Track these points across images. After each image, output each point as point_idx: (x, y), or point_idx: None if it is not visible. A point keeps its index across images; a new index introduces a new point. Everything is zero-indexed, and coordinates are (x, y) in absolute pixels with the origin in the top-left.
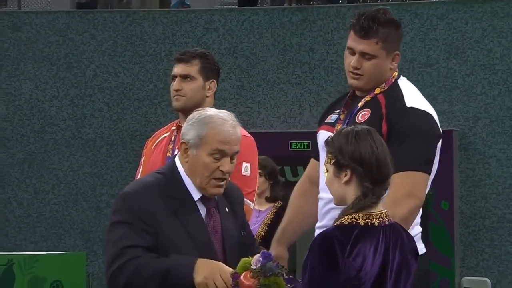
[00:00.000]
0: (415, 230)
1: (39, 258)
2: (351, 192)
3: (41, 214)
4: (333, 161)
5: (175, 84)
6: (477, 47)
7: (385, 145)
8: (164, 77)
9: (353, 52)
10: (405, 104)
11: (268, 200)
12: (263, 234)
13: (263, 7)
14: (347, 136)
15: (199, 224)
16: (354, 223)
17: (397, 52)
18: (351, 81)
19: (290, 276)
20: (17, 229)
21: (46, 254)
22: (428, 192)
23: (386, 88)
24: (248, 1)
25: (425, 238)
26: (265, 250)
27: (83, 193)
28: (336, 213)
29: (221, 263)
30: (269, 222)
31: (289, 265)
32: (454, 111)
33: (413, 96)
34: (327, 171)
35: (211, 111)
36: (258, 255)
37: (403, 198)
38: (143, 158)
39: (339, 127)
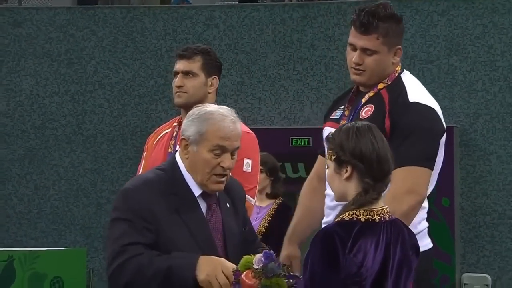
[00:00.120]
0: (422, 225)
1: (40, 254)
2: (352, 189)
3: (41, 210)
4: (334, 157)
5: (177, 81)
6: (478, 44)
7: (385, 141)
8: (165, 73)
9: (354, 48)
10: (408, 99)
11: (269, 196)
12: (264, 230)
13: (263, 3)
14: (347, 132)
15: (200, 221)
16: (355, 219)
17: (399, 46)
18: (353, 76)
19: (292, 273)
20: (18, 225)
21: (47, 250)
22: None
23: (389, 83)
24: None
25: None
26: (267, 250)
27: (83, 189)
28: None
29: (222, 259)
30: (270, 218)
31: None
32: (455, 108)
33: (416, 91)
34: (327, 168)
35: (211, 107)
36: (260, 254)
37: (404, 194)
38: (144, 154)
39: (344, 123)
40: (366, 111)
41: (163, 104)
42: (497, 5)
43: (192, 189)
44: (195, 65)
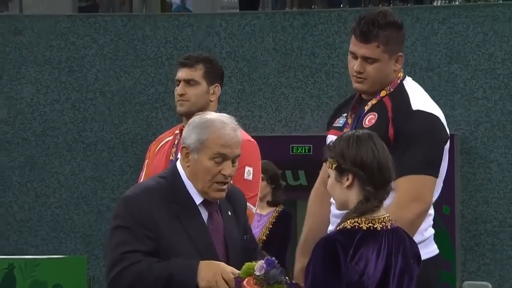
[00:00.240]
0: (428, 232)
1: (40, 262)
2: (353, 197)
3: (42, 218)
4: (335, 165)
5: (179, 89)
6: (478, 52)
7: (386, 149)
8: (166, 81)
9: (355, 57)
10: (411, 107)
11: (270, 204)
12: (265, 238)
13: (264, 11)
14: (348, 141)
15: (201, 228)
16: (356, 227)
17: (400, 54)
18: (355, 84)
19: (294, 282)
20: (18, 233)
21: (47, 258)
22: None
23: (392, 90)
24: (249, 5)
25: None
26: (269, 257)
27: (84, 196)
28: None
29: (222, 263)
30: (271, 226)
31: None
32: (455, 116)
33: (419, 98)
34: (328, 176)
35: (212, 115)
36: (262, 261)
37: (409, 202)
38: (146, 161)
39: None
40: (370, 120)
41: (164, 112)
42: (497, 13)
43: (193, 197)
44: (197, 73)
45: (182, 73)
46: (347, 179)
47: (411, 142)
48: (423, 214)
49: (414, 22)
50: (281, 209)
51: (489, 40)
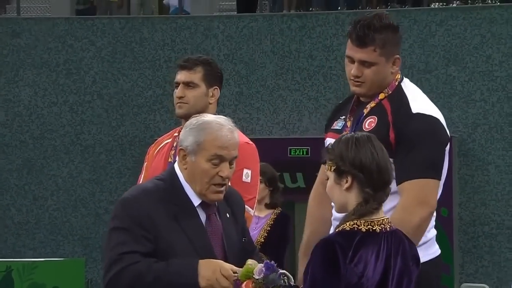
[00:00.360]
0: (431, 233)
1: (38, 265)
2: (353, 199)
3: (40, 221)
4: (334, 168)
5: (178, 91)
6: (476, 54)
7: (385, 151)
8: (163, 84)
9: (352, 61)
10: (411, 110)
11: (268, 206)
12: (263, 240)
13: (262, 14)
14: (347, 143)
15: (199, 230)
16: (355, 229)
17: (397, 56)
18: (353, 88)
19: (293, 284)
20: (16, 236)
21: (45, 260)
22: None
23: (390, 92)
24: (247, 8)
25: None
26: (268, 261)
27: (82, 199)
28: None
29: (220, 261)
30: (269, 228)
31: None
32: (453, 118)
33: (418, 101)
34: (327, 179)
35: (208, 117)
36: (261, 264)
37: (415, 206)
38: (145, 164)
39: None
40: (369, 123)
41: (162, 114)
42: (495, 15)
43: (191, 199)
44: (196, 75)
45: (181, 76)
46: (346, 181)
47: (412, 146)
48: (429, 218)
49: (412, 24)
50: (279, 211)
51: (486, 42)
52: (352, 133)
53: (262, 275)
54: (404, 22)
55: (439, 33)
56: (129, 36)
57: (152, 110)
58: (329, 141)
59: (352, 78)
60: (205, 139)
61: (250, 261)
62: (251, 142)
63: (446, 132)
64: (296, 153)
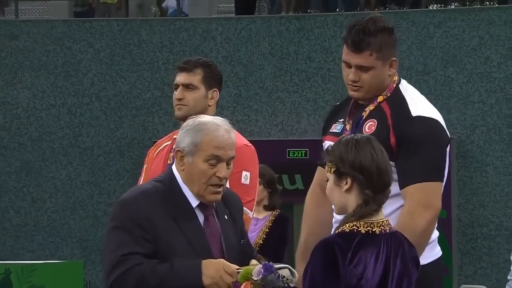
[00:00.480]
0: (434, 234)
1: (37, 267)
2: (352, 200)
3: (38, 223)
4: (334, 169)
5: (177, 93)
6: (474, 55)
7: (385, 153)
8: (162, 86)
9: (349, 65)
10: (411, 113)
11: (266, 208)
12: (261, 242)
13: (260, 16)
14: (347, 145)
15: (197, 229)
16: (355, 230)
17: (394, 58)
18: (351, 93)
19: (292, 286)
20: (15, 238)
21: (44, 263)
22: None
23: (389, 95)
24: (245, 10)
25: None
26: (266, 262)
27: (80, 201)
28: None
29: (221, 260)
30: (267, 230)
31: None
32: (452, 119)
33: (417, 103)
34: (327, 180)
35: (205, 118)
36: (260, 266)
37: (421, 210)
38: (144, 166)
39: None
40: (369, 126)
41: (160, 116)
42: (493, 16)
43: (190, 200)
44: (195, 77)
45: (180, 78)
46: (346, 183)
47: (414, 149)
48: (434, 220)
49: (410, 26)
50: (278, 213)
51: (485, 44)
52: (352, 134)
53: (260, 276)
54: (403, 23)
55: (437, 34)
56: (128, 38)
57: (150, 112)
58: (328, 144)
59: (350, 83)
60: (202, 140)
61: (254, 261)
62: (250, 144)
63: (447, 133)
64: (295, 155)
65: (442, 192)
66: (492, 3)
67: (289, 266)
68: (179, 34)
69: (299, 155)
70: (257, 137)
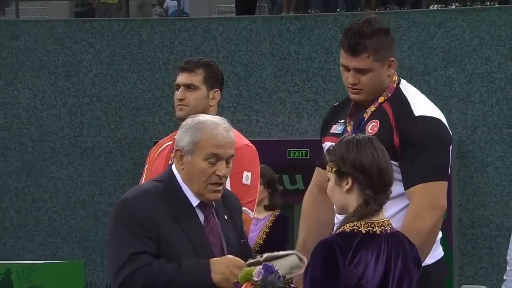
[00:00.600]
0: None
1: (38, 267)
2: (353, 200)
3: (39, 223)
4: (335, 169)
5: (178, 94)
6: (475, 56)
7: (386, 153)
8: (162, 86)
9: (347, 69)
10: (414, 113)
11: (267, 208)
12: (262, 242)
13: (261, 16)
14: (348, 145)
15: (198, 228)
16: (356, 230)
17: (392, 58)
18: (352, 95)
19: (292, 286)
20: (15, 238)
21: (44, 263)
22: None
23: (390, 95)
24: (246, 10)
25: None
26: (267, 263)
27: (81, 201)
28: None
29: (229, 255)
30: (268, 230)
31: None
32: (452, 119)
33: (419, 103)
34: (328, 180)
35: (203, 117)
36: (260, 266)
37: (427, 211)
38: (146, 166)
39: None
40: (372, 127)
41: (161, 116)
42: (494, 17)
43: (190, 199)
44: (196, 78)
45: (182, 78)
46: (347, 183)
47: (418, 149)
48: (440, 220)
49: (411, 26)
50: (278, 213)
51: (485, 44)
52: (354, 134)
53: (261, 277)
54: (403, 24)
55: (438, 35)
56: (128, 38)
57: (151, 112)
58: (328, 144)
59: (350, 86)
60: (201, 138)
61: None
62: (251, 144)
63: (449, 132)
64: (295, 155)
65: (446, 190)
66: (492, 3)
67: (297, 252)
68: (179, 34)
69: (300, 155)
70: (257, 137)
